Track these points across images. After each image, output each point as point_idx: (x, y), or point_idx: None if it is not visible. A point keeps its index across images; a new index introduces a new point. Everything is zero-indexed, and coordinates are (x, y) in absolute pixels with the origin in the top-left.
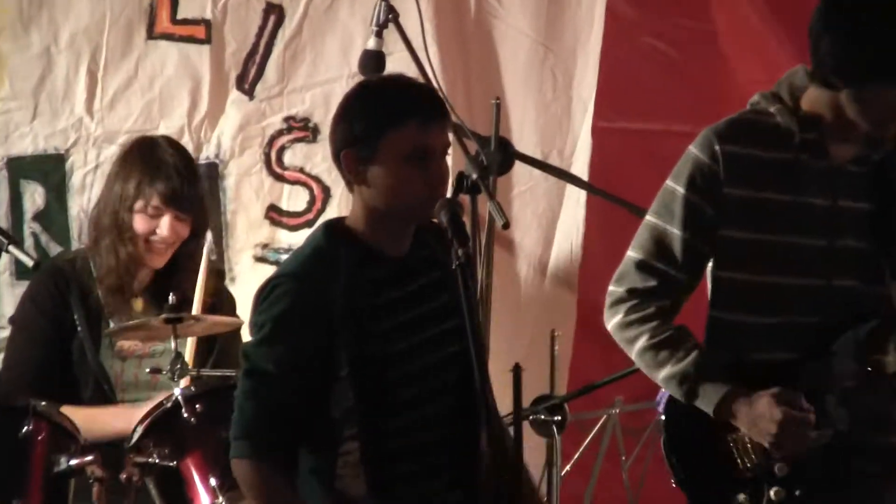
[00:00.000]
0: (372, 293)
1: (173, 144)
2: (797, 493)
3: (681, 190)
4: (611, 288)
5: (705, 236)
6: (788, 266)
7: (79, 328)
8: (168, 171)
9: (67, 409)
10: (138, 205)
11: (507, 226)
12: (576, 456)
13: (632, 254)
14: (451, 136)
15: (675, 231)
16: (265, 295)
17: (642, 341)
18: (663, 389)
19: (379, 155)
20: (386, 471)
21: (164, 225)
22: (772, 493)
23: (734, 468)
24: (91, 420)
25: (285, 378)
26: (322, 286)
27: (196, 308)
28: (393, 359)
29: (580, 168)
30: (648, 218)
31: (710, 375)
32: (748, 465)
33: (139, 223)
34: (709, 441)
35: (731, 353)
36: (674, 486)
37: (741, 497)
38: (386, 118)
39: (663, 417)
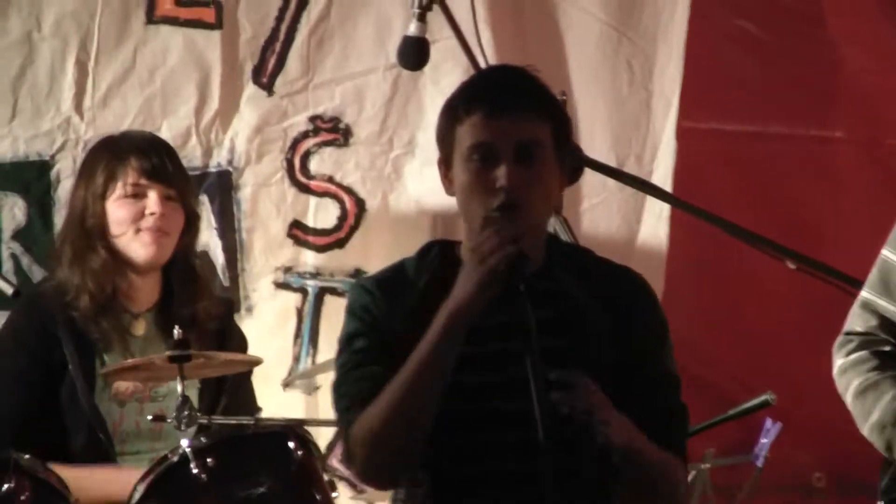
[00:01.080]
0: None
1: (139, 131)
2: None
3: None
4: None
5: None
6: None
7: (69, 367)
8: (141, 146)
9: (55, 467)
10: (114, 192)
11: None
12: None
13: (862, 291)
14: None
15: None
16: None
17: (852, 389)
18: (763, 440)
19: (453, 156)
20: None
21: (153, 200)
22: None
23: None
24: (81, 481)
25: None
26: (391, 299)
27: None
28: (454, 390)
29: (662, 177)
30: (882, 250)
31: None
32: None
33: (119, 211)
34: None
35: None
36: None
37: None
38: (454, 111)
39: (882, 485)
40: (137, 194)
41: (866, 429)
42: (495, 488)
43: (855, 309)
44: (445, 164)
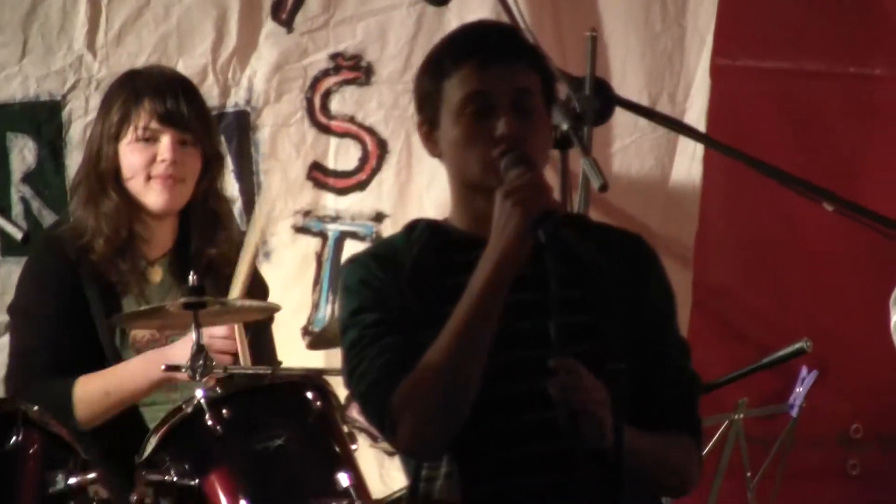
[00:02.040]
0: (445, 275)
1: (160, 67)
2: None
3: None
4: None
5: None
6: None
7: (91, 310)
8: (158, 86)
9: (86, 380)
10: (125, 135)
11: (604, 188)
12: None
13: None
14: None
15: None
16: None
17: None
18: (798, 389)
19: (440, 114)
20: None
21: (165, 146)
22: None
23: None
24: (114, 383)
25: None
26: (387, 269)
27: (236, 291)
28: None
29: (696, 116)
30: None
31: None
32: None
33: (132, 156)
34: None
35: None
36: None
37: None
38: (438, 67)
39: None
40: (150, 138)
41: None
42: (520, 462)
43: None
44: (429, 125)
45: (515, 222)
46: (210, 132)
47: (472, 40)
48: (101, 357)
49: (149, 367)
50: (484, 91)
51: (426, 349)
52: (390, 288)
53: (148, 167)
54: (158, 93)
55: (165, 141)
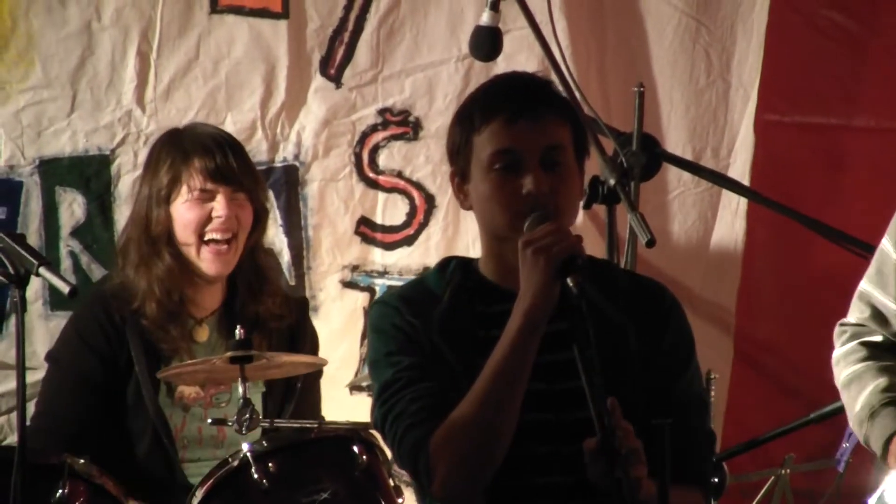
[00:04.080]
0: (476, 327)
1: (202, 124)
2: None
3: None
4: None
5: None
6: None
7: (136, 369)
8: (202, 143)
9: None
10: (179, 195)
11: (652, 243)
12: None
13: (861, 281)
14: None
15: (892, 253)
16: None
17: (841, 381)
18: (845, 444)
19: (470, 167)
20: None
21: (220, 205)
22: None
23: None
24: None
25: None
26: (419, 315)
27: None
28: None
29: (740, 170)
30: (882, 240)
31: (883, 412)
32: None
33: (186, 216)
34: None
35: None
36: None
37: None
38: (469, 121)
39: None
40: (204, 199)
41: (852, 422)
42: (544, 499)
43: (854, 299)
44: (460, 177)
45: (540, 269)
46: (259, 186)
47: (502, 94)
48: (139, 418)
49: None
50: (512, 148)
51: (458, 398)
52: (422, 335)
53: (203, 225)
54: (207, 151)
55: (220, 198)
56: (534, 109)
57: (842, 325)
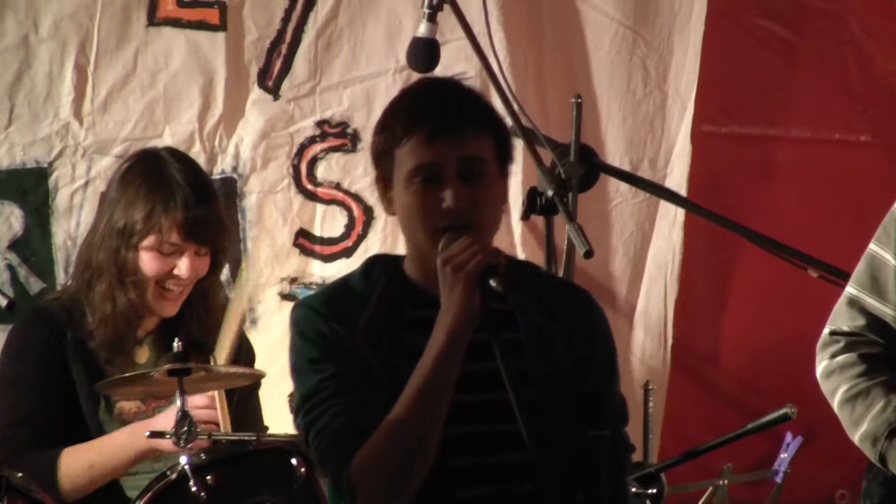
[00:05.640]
0: (401, 332)
1: (180, 157)
2: None
3: None
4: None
5: None
6: None
7: (76, 384)
8: (183, 195)
9: (70, 452)
10: (149, 241)
11: (590, 254)
12: None
13: (847, 287)
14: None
15: (891, 259)
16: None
17: (839, 395)
18: (783, 454)
19: (394, 177)
20: None
21: (184, 265)
22: None
23: None
24: (98, 455)
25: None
26: (343, 320)
27: (221, 358)
28: None
29: (677, 181)
30: (870, 245)
31: None
32: None
33: (150, 264)
34: None
35: None
36: None
37: None
38: (391, 132)
39: (863, 487)
40: (171, 253)
41: (857, 438)
42: None
43: (840, 306)
44: (384, 183)
45: (460, 288)
46: (223, 234)
47: (424, 109)
48: (86, 429)
49: (133, 439)
50: (433, 162)
51: (382, 409)
52: (345, 342)
53: (164, 277)
54: (186, 206)
55: (185, 258)
56: (455, 125)
57: (833, 333)
